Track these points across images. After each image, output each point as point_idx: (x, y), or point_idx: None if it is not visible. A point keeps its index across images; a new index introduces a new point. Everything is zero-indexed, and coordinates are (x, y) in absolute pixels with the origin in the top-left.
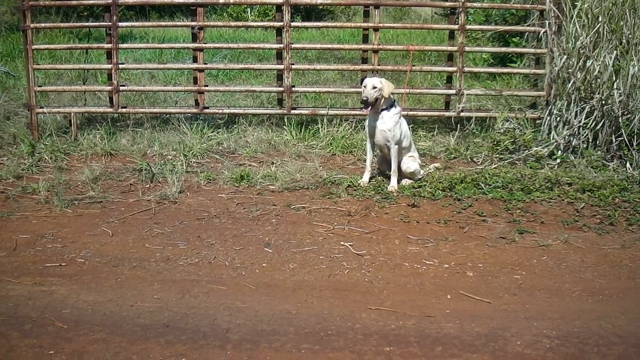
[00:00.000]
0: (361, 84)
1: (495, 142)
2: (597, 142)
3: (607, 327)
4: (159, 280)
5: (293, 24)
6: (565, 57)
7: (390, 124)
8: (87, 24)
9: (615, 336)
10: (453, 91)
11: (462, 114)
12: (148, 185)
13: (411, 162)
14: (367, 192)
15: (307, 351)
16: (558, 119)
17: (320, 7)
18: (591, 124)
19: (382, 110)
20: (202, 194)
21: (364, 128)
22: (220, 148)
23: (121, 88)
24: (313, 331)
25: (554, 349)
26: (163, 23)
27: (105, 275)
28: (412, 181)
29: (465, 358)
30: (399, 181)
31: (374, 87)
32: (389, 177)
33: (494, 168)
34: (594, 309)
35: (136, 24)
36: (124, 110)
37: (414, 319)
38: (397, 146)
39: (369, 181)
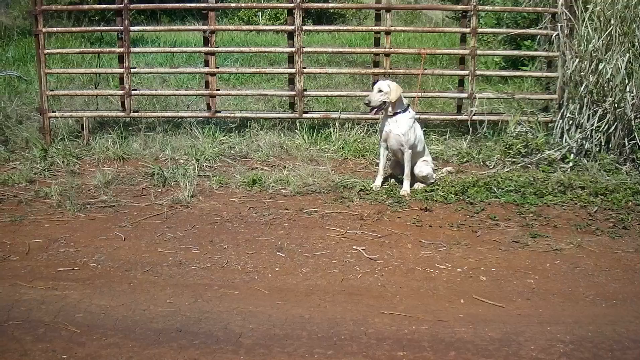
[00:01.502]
0: (372, 89)
1: (507, 146)
2: (610, 145)
3: (621, 331)
4: (172, 285)
5: (304, 27)
6: (577, 60)
7: (404, 129)
8: (98, 28)
9: (630, 341)
10: (465, 95)
11: (474, 117)
12: (160, 190)
13: (424, 166)
14: (379, 196)
15: (320, 356)
16: (570, 122)
17: (332, 10)
18: (604, 127)
19: (396, 114)
20: (214, 198)
21: (378, 132)
22: (232, 152)
23: (133, 92)
24: (326, 336)
25: (568, 354)
26: (175, 27)
27: (117, 279)
28: (424, 185)
29: None
30: (411, 185)
31: (380, 91)
32: (401, 181)
33: (507, 172)
34: (608, 314)
35: (148, 28)
36: (135, 114)
37: (427, 323)
38: (410, 150)
39: (382, 185)
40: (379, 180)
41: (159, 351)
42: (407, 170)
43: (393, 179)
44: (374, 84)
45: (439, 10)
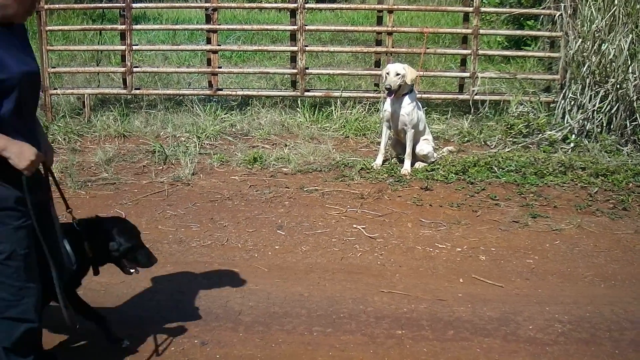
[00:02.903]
0: (374, 67)
1: (509, 126)
2: (612, 126)
3: (619, 312)
4: (172, 262)
5: (307, 5)
6: (580, 40)
7: (409, 109)
8: (100, 5)
9: (628, 321)
10: (467, 74)
11: (476, 97)
12: (161, 167)
13: (425, 145)
14: (380, 175)
15: (319, 334)
16: (572, 102)
17: None
18: (605, 108)
19: (404, 95)
20: (215, 176)
21: (381, 111)
22: (233, 130)
23: (135, 69)
24: (325, 314)
25: (566, 334)
26: (177, 4)
27: None
28: (425, 164)
29: (477, 342)
30: (412, 164)
31: (397, 74)
32: (402, 160)
33: (508, 152)
34: (606, 294)
35: (150, 5)
36: (137, 91)
37: (426, 302)
38: (413, 130)
39: (382, 164)
40: (379, 159)
41: (160, 328)
42: (408, 150)
43: (394, 158)
44: (376, 63)
45: None
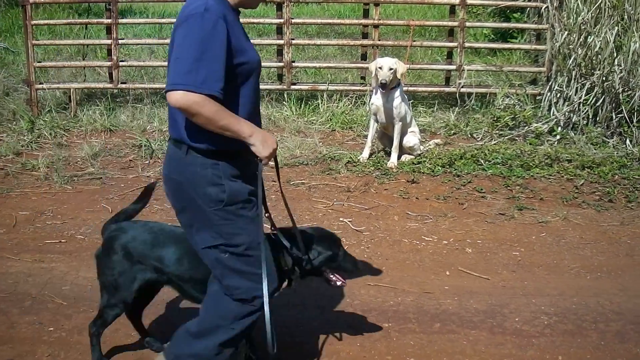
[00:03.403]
0: (361, 60)
1: (495, 118)
2: (597, 118)
3: (605, 304)
4: None
5: None
6: (566, 32)
7: (397, 102)
8: None
9: (613, 313)
10: (453, 67)
11: (462, 89)
12: (147, 162)
13: (411, 137)
14: (366, 168)
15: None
16: (558, 95)
17: None
18: (591, 101)
19: (393, 88)
20: None
21: (367, 104)
22: None
23: (121, 64)
24: (312, 308)
25: (552, 326)
26: None
27: None
28: (412, 157)
29: (463, 334)
30: (399, 157)
31: (390, 69)
32: (388, 153)
33: (494, 144)
34: (592, 286)
35: None
36: (123, 85)
37: (413, 295)
38: (401, 123)
39: (369, 157)
40: (366, 153)
41: (146, 322)
42: (396, 142)
43: (381, 152)
44: (362, 56)
45: None
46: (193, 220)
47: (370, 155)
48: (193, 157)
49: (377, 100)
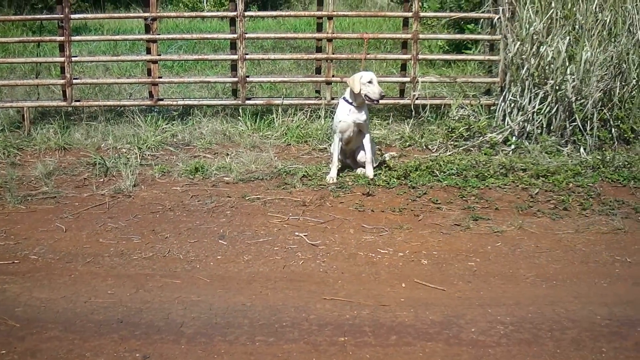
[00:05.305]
0: (316, 74)
1: (449, 129)
2: (551, 127)
3: (560, 311)
4: (113, 276)
5: (247, 13)
6: (519, 43)
7: (366, 115)
8: (39, 16)
9: (569, 321)
10: (408, 79)
11: (416, 101)
12: (102, 180)
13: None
14: (321, 182)
15: (261, 343)
16: (512, 105)
17: None
18: (545, 110)
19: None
20: (156, 187)
21: (333, 121)
22: (174, 140)
23: (74, 81)
24: (267, 323)
25: (508, 335)
26: (116, 14)
27: (58, 271)
28: (364, 170)
29: (419, 346)
30: (354, 169)
31: (370, 82)
32: (349, 168)
33: (449, 155)
34: (547, 294)
35: (89, 15)
36: (77, 103)
37: (369, 308)
38: (369, 134)
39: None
40: (334, 172)
41: (100, 343)
42: (370, 155)
43: (347, 169)
44: (317, 70)
45: None
46: None
47: (338, 174)
48: None
49: (347, 117)
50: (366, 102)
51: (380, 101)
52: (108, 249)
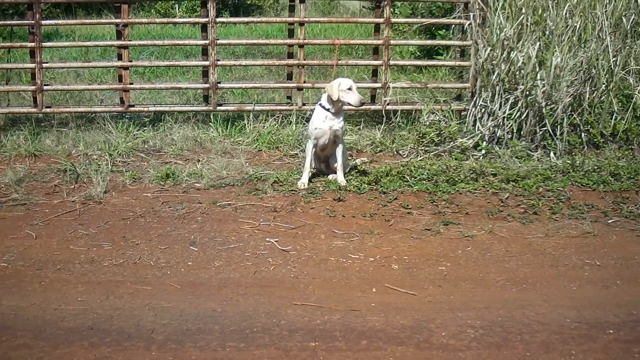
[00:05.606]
0: (287, 80)
1: (420, 135)
2: (522, 132)
3: (530, 315)
4: (84, 282)
5: (218, 19)
6: (489, 48)
7: (343, 122)
8: (9, 22)
9: (539, 324)
10: (379, 84)
11: (388, 107)
12: (73, 186)
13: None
14: (292, 188)
15: (232, 349)
16: (483, 110)
17: (249, 2)
18: (515, 115)
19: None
20: (127, 194)
21: (309, 128)
22: (146, 146)
23: (45, 87)
24: (238, 329)
25: (479, 339)
26: (87, 21)
27: (29, 278)
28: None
29: (390, 351)
30: (326, 174)
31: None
32: (322, 173)
33: (420, 160)
34: (517, 298)
35: (60, 22)
36: (48, 110)
37: (340, 313)
38: (342, 141)
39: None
40: (305, 178)
41: (70, 350)
42: (342, 161)
43: (319, 175)
44: (288, 76)
45: (355, 1)
46: None
47: (310, 180)
48: None
49: (324, 124)
50: (345, 107)
51: (345, 107)
52: (78, 256)
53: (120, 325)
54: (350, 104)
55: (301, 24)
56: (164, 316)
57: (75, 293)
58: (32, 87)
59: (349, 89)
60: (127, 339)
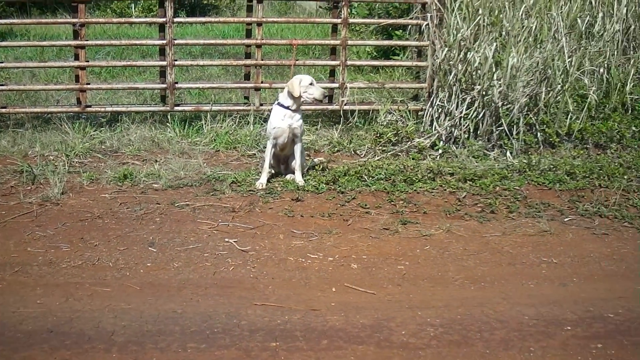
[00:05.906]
0: (244, 80)
1: (378, 135)
2: (478, 132)
3: (489, 312)
4: (42, 285)
5: (176, 19)
6: (446, 49)
7: (301, 120)
8: None
9: (497, 321)
10: (336, 85)
11: (345, 107)
12: (29, 187)
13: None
14: (251, 188)
15: (193, 350)
16: (440, 110)
17: (205, 2)
18: (472, 115)
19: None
20: (84, 195)
21: (268, 127)
22: (103, 147)
23: (0, 87)
24: (199, 330)
25: (438, 337)
26: (44, 20)
27: None
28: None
29: (350, 350)
30: (284, 175)
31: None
32: (280, 174)
33: (377, 160)
34: (476, 296)
35: (15, 21)
36: (3, 110)
37: (300, 313)
38: (301, 141)
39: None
40: (264, 178)
41: (30, 354)
42: (300, 161)
43: (278, 175)
44: (245, 76)
45: (312, 1)
46: None
47: (268, 180)
48: None
49: (282, 122)
50: (303, 106)
51: (311, 106)
52: (36, 258)
53: (80, 327)
54: (315, 98)
55: (259, 24)
56: (124, 318)
57: (34, 296)
58: None
59: (311, 84)
60: (87, 342)
